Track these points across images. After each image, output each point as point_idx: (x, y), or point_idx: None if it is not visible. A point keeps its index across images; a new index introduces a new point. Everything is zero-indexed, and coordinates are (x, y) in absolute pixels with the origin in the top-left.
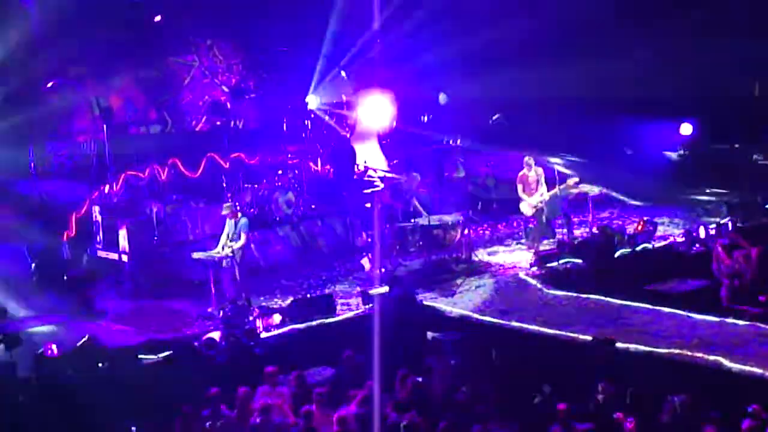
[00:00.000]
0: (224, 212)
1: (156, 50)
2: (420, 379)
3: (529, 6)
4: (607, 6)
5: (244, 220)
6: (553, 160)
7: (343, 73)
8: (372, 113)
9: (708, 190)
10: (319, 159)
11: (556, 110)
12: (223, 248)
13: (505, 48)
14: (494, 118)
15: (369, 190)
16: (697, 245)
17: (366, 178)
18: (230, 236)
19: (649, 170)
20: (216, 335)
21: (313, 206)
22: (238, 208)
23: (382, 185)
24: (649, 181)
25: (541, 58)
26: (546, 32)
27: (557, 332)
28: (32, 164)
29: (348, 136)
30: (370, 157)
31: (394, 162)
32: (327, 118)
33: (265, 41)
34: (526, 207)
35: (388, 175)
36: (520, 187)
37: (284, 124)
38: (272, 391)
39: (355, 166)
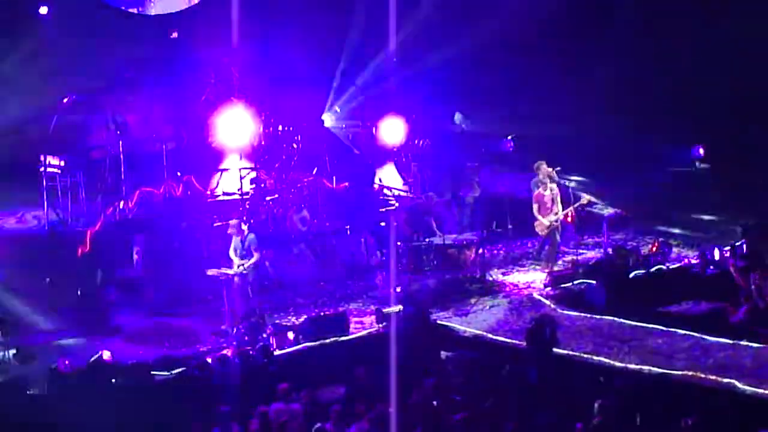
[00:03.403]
0: (229, 231)
1: (173, 67)
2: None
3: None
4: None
5: (251, 237)
6: (567, 179)
7: (337, 109)
8: (388, 131)
9: (723, 212)
10: (334, 177)
11: (572, 130)
12: (237, 266)
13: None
14: (457, 118)
15: (384, 209)
16: (712, 267)
17: (381, 197)
18: (238, 252)
19: (662, 190)
20: (229, 352)
21: (327, 224)
22: (247, 225)
23: (397, 204)
24: (663, 201)
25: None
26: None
27: (571, 352)
28: (44, 180)
29: (357, 152)
30: (385, 176)
31: (411, 181)
32: (343, 135)
33: (282, 58)
34: (542, 226)
35: (404, 194)
36: (535, 207)
37: (300, 142)
38: (286, 407)
39: (373, 185)
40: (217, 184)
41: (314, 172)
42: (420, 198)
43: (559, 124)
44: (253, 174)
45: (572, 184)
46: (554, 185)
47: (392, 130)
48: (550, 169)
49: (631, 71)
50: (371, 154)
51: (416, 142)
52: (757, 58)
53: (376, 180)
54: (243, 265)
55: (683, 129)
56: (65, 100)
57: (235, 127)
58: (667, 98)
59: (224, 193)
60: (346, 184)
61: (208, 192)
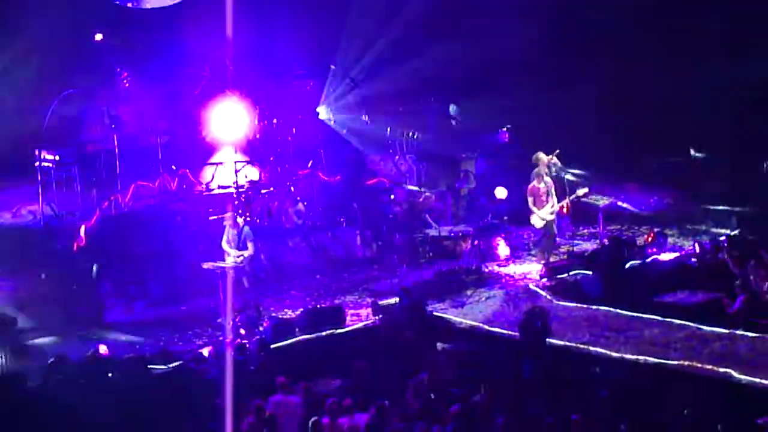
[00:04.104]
0: (225, 222)
1: (167, 60)
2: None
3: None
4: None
5: (247, 229)
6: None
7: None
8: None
9: (718, 202)
10: (329, 170)
11: (567, 121)
12: (232, 258)
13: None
14: (452, 110)
15: (380, 201)
16: (707, 257)
17: (377, 190)
18: (233, 244)
19: (659, 181)
20: (225, 345)
21: (323, 216)
22: (247, 218)
23: (393, 196)
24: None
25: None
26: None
27: (567, 344)
28: (39, 174)
29: (361, 147)
30: (379, 168)
31: (405, 173)
32: (338, 128)
33: (277, 51)
34: (537, 219)
35: (400, 186)
36: (530, 200)
37: (295, 135)
38: (284, 400)
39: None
40: (212, 177)
41: (309, 165)
42: (417, 194)
43: (554, 114)
44: (249, 167)
45: (568, 176)
46: (548, 178)
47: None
48: (550, 157)
49: (626, 60)
50: (365, 146)
51: (410, 134)
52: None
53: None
54: (239, 256)
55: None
56: (60, 95)
57: (229, 120)
58: (662, 87)
59: (219, 187)
60: (338, 177)
61: (203, 185)
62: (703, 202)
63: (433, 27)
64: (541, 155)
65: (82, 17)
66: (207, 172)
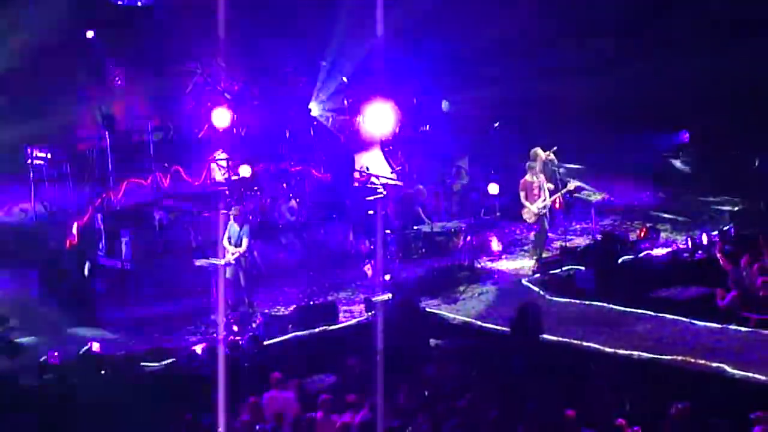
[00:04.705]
0: (233, 212)
1: (159, 58)
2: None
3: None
4: (602, 19)
5: (246, 227)
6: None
7: (344, 79)
8: (374, 120)
9: (711, 197)
10: (321, 166)
11: (559, 118)
12: (229, 255)
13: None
14: (444, 106)
15: (372, 197)
16: (700, 252)
17: (369, 185)
18: (231, 240)
19: (651, 177)
20: (219, 342)
21: (315, 213)
22: (249, 215)
23: (385, 192)
24: (651, 188)
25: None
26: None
27: (560, 339)
28: (31, 172)
29: (342, 140)
30: (372, 164)
31: (398, 169)
32: (329, 124)
33: (269, 47)
34: (529, 214)
35: (392, 182)
36: (522, 194)
37: (287, 131)
38: (278, 395)
39: (356, 173)
40: (205, 175)
41: (302, 161)
42: (409, 190)
43: (545, 110)
44: (241, 164)
45: (560, 170)
46: (541, 174)
47: (380, 118)
48: (547, 153)
49: (616, 56)
50: (357, 143)
51: (409, 130)
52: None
53: (363, 168)
54: (236, 253)
55: (670, 114)
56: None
57: (222, 117)
58: (653, 82)
59: (212, 184)
60: (330, 173)
61: (196, 183)
62: (696, 198)
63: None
64: (539, 151)
65: (73, 15)
66: (199, 170)
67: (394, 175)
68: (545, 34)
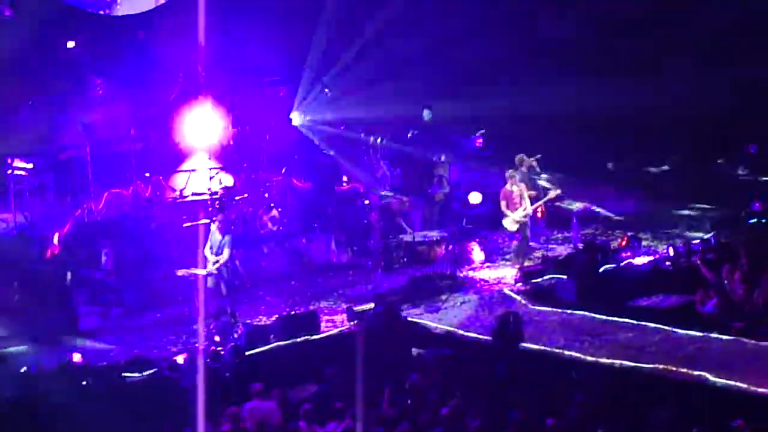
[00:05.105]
0: (215, 222)
1: (140, 67)
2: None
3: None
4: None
5: (228, 237)
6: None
7: (327, 91)
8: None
9: (692, 205)
10: (302, 175)
11: (540, 126)
12: (210, 264)
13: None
14: (425, 115)
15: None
16: (681, 260)
17: (351, 195)
18: (213, 250)
19: (632, 185)
20: (200, 353)
21: (297, 222)
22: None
23: (367, 202)
24: (632, 196)
25: (524, 75)
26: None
27: (542, 348)
28: (12, 183)
29: (331, 153)
30: (353, 173)
31: (379, 178)
32: (310, 135)
33: (250, 56)
34: (510, 222)
35: (374, 191)
36: (503, 203)
37: (268, 141)
38: (260, 405)
39: (342, 183)
40: (186, 184)
41: (283, 171)
42: (392, 200)
43: (528, 120)
44: (222, 174)
45: (542, 181)
46: (521, 183)
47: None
48: (532, 160)
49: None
50: (339, 152)
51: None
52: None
53: (344, 178)
54: (218, 262)
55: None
56: (31, 102)
57: (203, 126)
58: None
59: (193, 194)
60: (311, 183)
61: (177, 192)
62: (678, 206)
63: (407, 27)
64: (524, 157)
65: (54, 25)
66: (180, 179)
67: (376, 184)
68: (522, 46)
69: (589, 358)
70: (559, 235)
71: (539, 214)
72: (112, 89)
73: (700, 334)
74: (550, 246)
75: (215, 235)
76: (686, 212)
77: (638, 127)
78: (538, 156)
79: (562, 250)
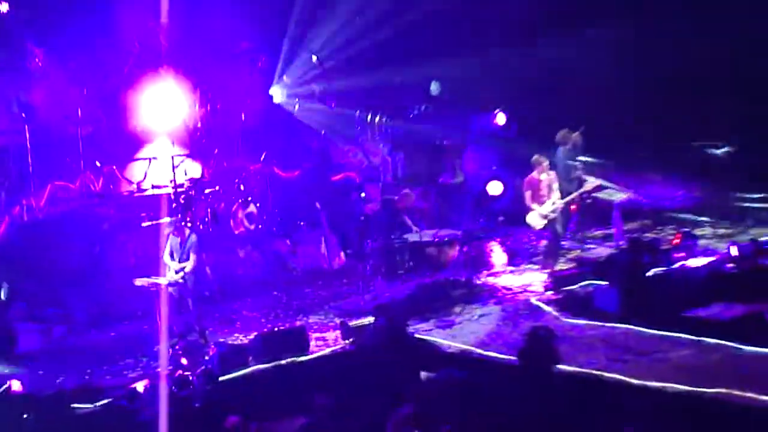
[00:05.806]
0: (166, 231)
1: (88, 34)
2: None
3: None
4: None
5: (193, 238)
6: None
7: (314, 58)
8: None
9: (760, 195)
10: (286, 163)
11: (575, 102)
12: (173, 273)
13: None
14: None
15: (349, 201)
16: (746, 262)
17: (345, 187)
18: (176, 256)
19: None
20: (163, 378)
21: (279, 220)
22: (189, 224)
23: (363, 194)
24: (687, 184)
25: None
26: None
27: (578, 370)
28: None
29: (322, 132)
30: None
31: (378, 166)
32: (296, 112)
33: (219, 21)
34: (536, 218)
35: (372, 182)
36: (527, 194)
37: (244, 122)
38: None
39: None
40: (145, 175)
41: (262, 158)
42: (394, 192)
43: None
44: (189, 162)
45: (578, 167)
46: (552, 171)
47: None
48: (576, 134)
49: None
50: (330, 135)
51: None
52: None
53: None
54: (180, 271)
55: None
56: None
57: (164, 105)
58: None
59: (153, 186)
60: (297, 172)
61: (134, 185)
62: (740, 197)
63: None
64: (568, 132)
65: None
66: (138, 169)
67: (375, 173)
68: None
69: (636, 382)
70: (598, 232)
71: (573, 207)
72: (55, 61)
73: None
74: (587, 246)
75: (175, 238)
76: (753, 204)
77: (697, 92)
78: (582, 128)
79: (602, 251)
